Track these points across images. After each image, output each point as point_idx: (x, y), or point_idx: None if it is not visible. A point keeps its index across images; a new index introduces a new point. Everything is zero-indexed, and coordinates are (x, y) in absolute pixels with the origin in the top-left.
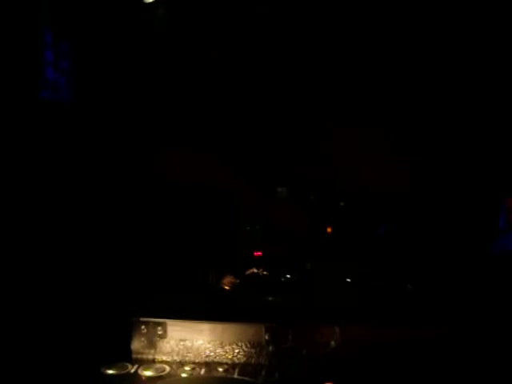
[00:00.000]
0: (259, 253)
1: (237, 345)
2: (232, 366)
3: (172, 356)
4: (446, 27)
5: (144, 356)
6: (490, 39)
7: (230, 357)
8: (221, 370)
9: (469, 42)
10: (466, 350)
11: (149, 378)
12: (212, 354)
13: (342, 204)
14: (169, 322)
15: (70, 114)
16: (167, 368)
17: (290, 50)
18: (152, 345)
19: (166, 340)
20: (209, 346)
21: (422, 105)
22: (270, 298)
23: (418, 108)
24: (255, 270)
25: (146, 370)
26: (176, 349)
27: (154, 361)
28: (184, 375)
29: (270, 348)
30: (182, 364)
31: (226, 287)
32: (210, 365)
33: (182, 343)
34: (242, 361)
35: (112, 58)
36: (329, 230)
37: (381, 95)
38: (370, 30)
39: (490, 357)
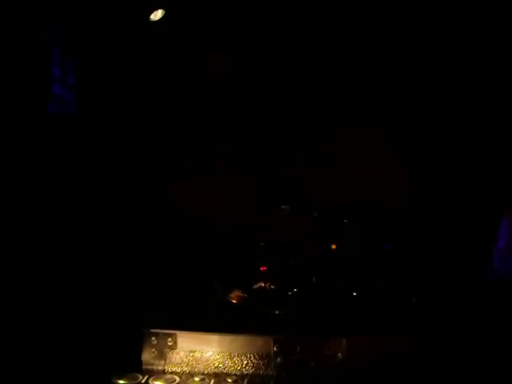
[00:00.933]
0: (265, 267)
1: (245, 356)
2: (241, 377)
3: (182, 367)
4: (445, 28)
5: (154, 367)
6: (490, 40)
7: (238, 368)
8: (230, 381)
9: (470, 43)
10: (470, 360)
11: None
12: (221, 365)
13: (345, 221)
14: (179, 333)
15: (76, 127)
16: (177, 379)
17: (289, 53)
18: (162, 356)
19: (175, 351)
20: (218, 357)
21: (423, 113)
22: (277, 312)
23: (418, 116)
24: (262, 285)
25: (156, 380)
26: (186, 360)
27: (164, 372)
28: None
29: (279, 360)
30: (191, 375)
31: (234, 301)
32: (219, 376)
33: (191, 354)
34: (251, 372)
35: (116, 74)
36: (333, 246)
37: (385, 104)
38: (370, 31)
39: (492, 368)
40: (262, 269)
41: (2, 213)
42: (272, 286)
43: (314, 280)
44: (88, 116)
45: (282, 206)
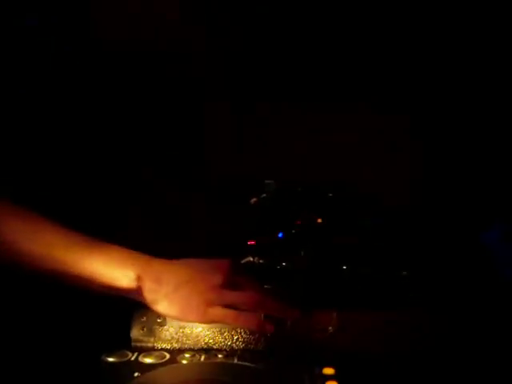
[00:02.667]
0: (253, 242)
1: (236, 331)
2: (231, 353)
3: (171, 343)
4: (445, 28)
5: (143, 344)
6: (491, 41)
7: (229, 343)
8: (220, 356)
9: (471, 44)
10: (462, 334)
11: (149, 365)
12: (211, 340)
13: (330, 195)
14: None
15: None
16: (167, 355)
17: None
18: (151, 333)
19: (165, 328)
20: (208, 333)
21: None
22: (266, 286)
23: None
24: (251, 259)
25: (146, 357)
26: (175, 336)
27: (153, 348)
28: (184, 362)
29: (269, 334)
30: (181, 351)
31: None
32: (209, 352)
33: (181, 330)
34: (241, 347)
35: None
36: (319, 220)
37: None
38: (370, 31)
39: (487, 343)
40: (249, 243)
41: None
42: (261, 261)
43: (302, 254)
44: None
45: (266, 181)
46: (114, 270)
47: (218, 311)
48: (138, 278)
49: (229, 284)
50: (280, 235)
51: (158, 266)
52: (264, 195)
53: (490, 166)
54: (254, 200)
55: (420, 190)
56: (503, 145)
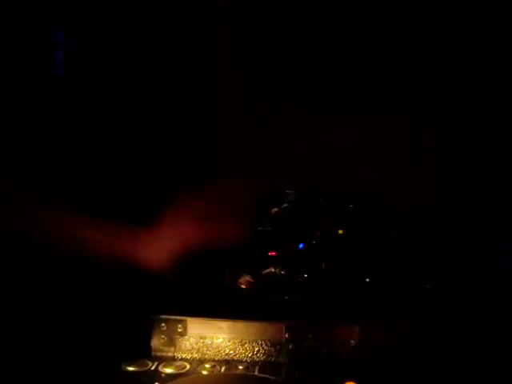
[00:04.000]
0: (273, 253)
1: (257, 343)
2: (252, 364)
3: (192, 353)
4: (444, 28)
5: (164, 353)
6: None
7: (249, 355)
8: (241, 367)
9: (470, 44)
10: (487, 347)
11: (169, 375)
12: (232, 352)
13: (351, 206)
14: (189, 319)
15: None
16: (187, 365)
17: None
18: (172, 342)
19: (185, 337)
20: (229, 343)
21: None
22: (287, 297)
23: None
24: (272, 270)
25: (166, 367)
26: (196, 346)
27: (173, 358)
28: (204, 372)
29: (290, 346)
30: (201, 362)
31: (243, 286)
32: (229, 362)
33: (201, 341)
34: (262, 359)
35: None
36: (340, 231)
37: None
38: (370, 32)
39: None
40: (270, 254)
41: None
42: (282, 272)
43: (323, 266)
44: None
45: (287, 191)
46: None
47: None
48: None
49: None
50: (301, 246)
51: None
52: (285, 205)
53: (490, 165)
54: (275, 210)
55: (420, 189)
56: (503, 145)
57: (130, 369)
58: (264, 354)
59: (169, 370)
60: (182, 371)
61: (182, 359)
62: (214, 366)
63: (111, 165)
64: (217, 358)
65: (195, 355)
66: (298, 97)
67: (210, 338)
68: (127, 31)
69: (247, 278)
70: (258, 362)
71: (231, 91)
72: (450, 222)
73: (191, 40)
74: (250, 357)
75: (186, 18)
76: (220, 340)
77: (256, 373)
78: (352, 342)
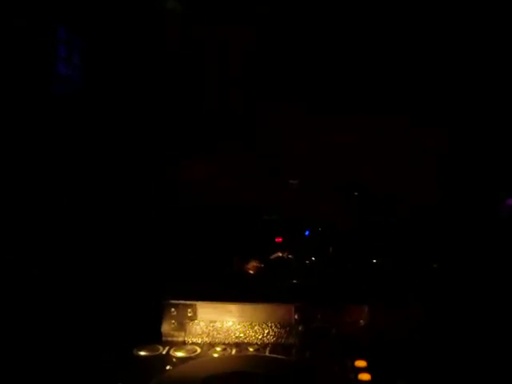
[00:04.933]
0: (280, 238)
1: (266, 325)
2: (263, 346)
3: (202, 337)
4: (443, 29)
5: (174, 338)
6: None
7: (260, 337)
8: (251, 349)
9: (469, 44)
10: (495, 325)
11: (180, 358)
12: (242, 334)
13: (356, 193)
14: (199, 304)
15: (82, 108)
16: (198, 349)
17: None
18: (182, 327)
19: (195, 322)
20: (239, 326)
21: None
22: (295, 281)
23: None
24: (280, 254)
25: (177, 351)
26: (206, 330)
27: (184, 343)
28: (215, 355)
29: (300, 328)
30: (212, 345)
31: (251, 271)
32: (240, 345)
33: (211, 325)
34: (272, 341)
35: (124, 52)
36: (344, 218)
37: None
38: (370, 33)
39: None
40: (277, 240)
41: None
42: (290, 256)
43: (330, 250)
44: (95, 96)
45: (291, 181)
46: None
47: None
48: None
49: None
50: (307, 233)
51: None
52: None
53: (492, 164)
54: (293, 181)
55: (420, 189)
56: (504, 145)
57: (142, 353)
58: (274, 335)
59: (180, 354)
60: (192, 355)
61: (192, 343)
62: (224, 349)
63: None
64: (227, 342)
65: (205, 339)
66: (297, 97)
67: (219, 322)
68: (129, 31)
69: (255, 263)
70: (268, 343)
71: (231, 91)
72: (448, 220)
73: (191, 40)
74: (261, 339)
75: (187, 19)
76: (230, 323)
77: (267, 354)
78: (361, 321)
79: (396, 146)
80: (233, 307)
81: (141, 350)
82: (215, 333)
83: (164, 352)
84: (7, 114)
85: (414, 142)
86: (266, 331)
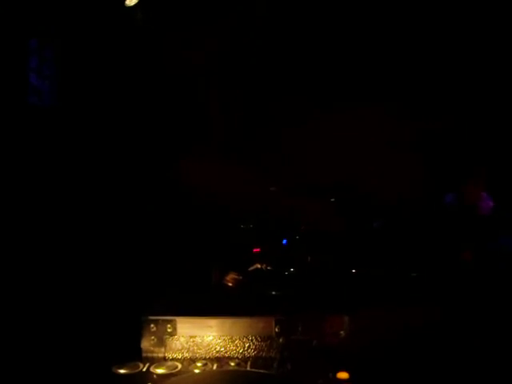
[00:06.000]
0: (258, 249)
1: (247, 339)
2: (244, 360)
3: (183, 353)
4: (442, 30)
5: (154, 354)
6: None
7: (240, 351)
8: (232, 364)
9: (468, 45)
10: (472, 329)
11: (162, 375)
12: (223, 349)
13: (332, 200)
14: (178, 319)
15: (55, 118)
16: (179, 365)
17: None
18: (162, 343)
19: (175, 337)
20: (219, 341)
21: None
22: (274, 292)
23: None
24: (258, 266)
25: (157, 367)
26: (186, 346)
27: (164, 359)
28: (197, 371)
29: (281, 340)
30: (193, 360)
31: (230, 284)
32: (221, 360)
33: (192, 340)
34: (253, 354)
35: (96, 62)
36: (323, 225)
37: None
38: (370, 34)
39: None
40: (254, 250)
41: None
42: (268, 267)
43: (308, 259)
44: (66, 107)
45: (270, 188)
46: None
47: None
48: None
49: None
50: (284, 242)
51: None
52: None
53: (492, 163)
54: (273, 188)
55: (420, 189)
56: (503, 145)
57: (122, 371)
58: (255, 349)
59: (160, 371)
60: (173, 371)
61: (173, 359)
62: (205, 364)
63: None
64: (208, 356)
65: (186, 354)
66: (297, 96)
67: (200, 337)
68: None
69: (233, 275)
70: (249, 357)
71: (231, 91)
72: (435, 218)
73: (192, 41)
74: (241, 353)
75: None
76: (210, 338)
77: (248, 368)
78: (342, 332)
79: (396, 146)
80: (213, 322)
81: (120, 368)
82: (196, 348)
83: (144, 369)
84: None
85: (413, 140)
86: (247, 345)
